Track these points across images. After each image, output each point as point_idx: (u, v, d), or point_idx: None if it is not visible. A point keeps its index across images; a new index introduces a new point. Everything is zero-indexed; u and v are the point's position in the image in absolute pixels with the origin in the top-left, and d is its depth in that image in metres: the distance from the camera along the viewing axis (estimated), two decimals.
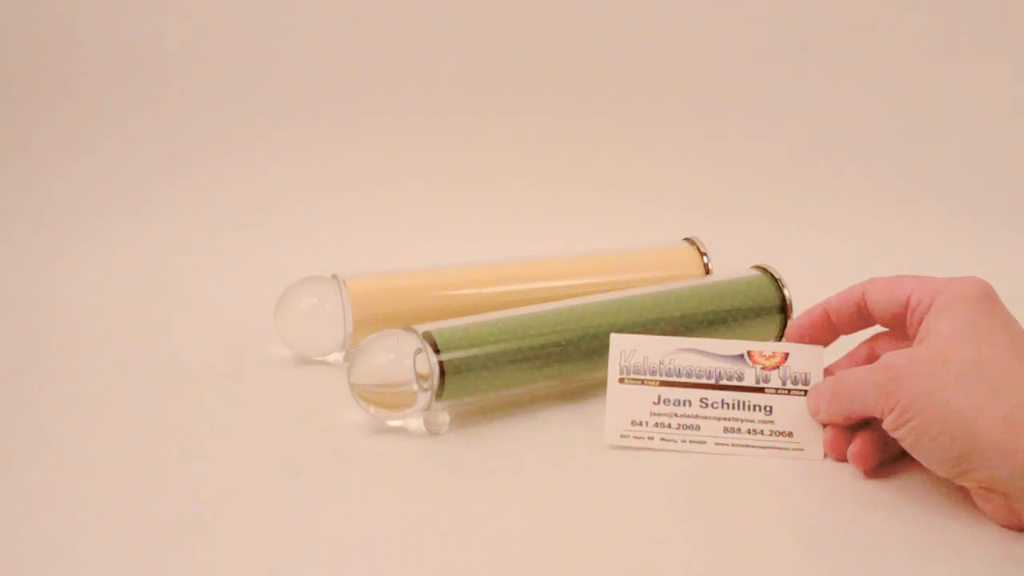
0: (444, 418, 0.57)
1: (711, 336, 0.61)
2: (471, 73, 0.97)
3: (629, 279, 0.71)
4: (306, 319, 0.66)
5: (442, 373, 0.56)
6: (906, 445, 0.47)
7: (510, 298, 0.68)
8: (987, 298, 0.49)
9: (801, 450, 0.54)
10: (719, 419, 0.55)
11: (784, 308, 0.66)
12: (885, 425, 0.48)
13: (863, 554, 0.45)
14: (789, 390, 0.55)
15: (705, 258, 0.74)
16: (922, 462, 0.47)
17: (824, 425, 0.54)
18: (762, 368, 0.56)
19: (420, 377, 0.56)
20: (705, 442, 0.55)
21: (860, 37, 0.96)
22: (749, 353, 0.56)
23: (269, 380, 0.65)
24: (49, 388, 0.64)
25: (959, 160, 0.95)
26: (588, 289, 0.68)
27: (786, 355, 0.56)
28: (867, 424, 0.52)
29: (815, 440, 0.54)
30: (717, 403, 0.55)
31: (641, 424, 0.55)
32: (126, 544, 0.46)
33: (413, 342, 0.56)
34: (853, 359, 0.57)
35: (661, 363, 0.56)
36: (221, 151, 0.97)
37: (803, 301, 0.62)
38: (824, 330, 0.56)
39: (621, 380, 0.56)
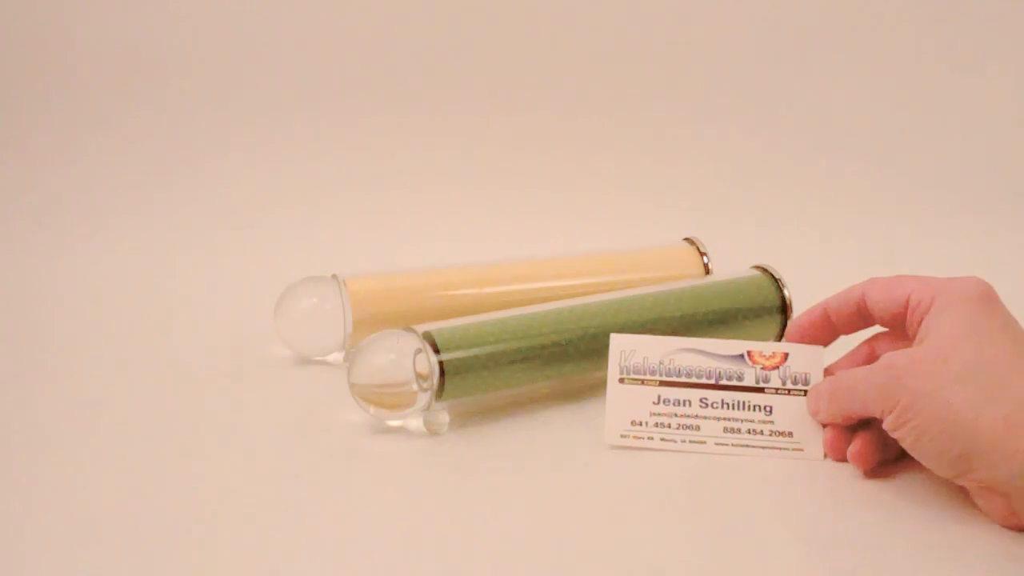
0: (444, 418, 0.57)
1: (711, 336, 0.61)
2: (471, 73, 0.97)
3: (629, 279, 0.71)
4: (306, 319, 0.66)
5: (442, 373, 0.56)
6: (906, 445, 0.47)
7: (510, 298, 0.68)
8: (987, 298, 0.49)
9: (801, 450, 0.54)
10: (719, 419, 0.55)
11: (784, 308, 0.66)
12: (885, 425, 0.48)
13: (863, 554, 0.45)
14: (789, 390, 0.55)
15: (705, 258, 0.74)
16: (922, 462, 0.47)
17: (824, 425, 0.54)
18: (762, 368, 0.56)
19: (420, 377, 0.56)
20: (705, 442, 0.55)
21: (860, 37, 0.96)
22: (749, 353, 0.56)
23: (269, 380, 0.65)
24: (49, 388, 0.64)
25: (959, 160, 0.95)
26: (588, 289, 0.68)
27: (786, 355, 0.56)
28: (867, 424, 0.52)
29: (815, 440, 0.54)
30: (717, 403, 0.55)
31: (641, 424, 0.55)
32: (126, 544, 0.46)
33: (413, 342, 0.56)
34: (853, 359, 0.57)
35: (661, 363, 0.56)
36: (221, 151, 0.97)
37: (803, 301, 0.62)
38: (824, 330, 0.56)
39: (621, 380, 0.56)
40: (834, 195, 0.96)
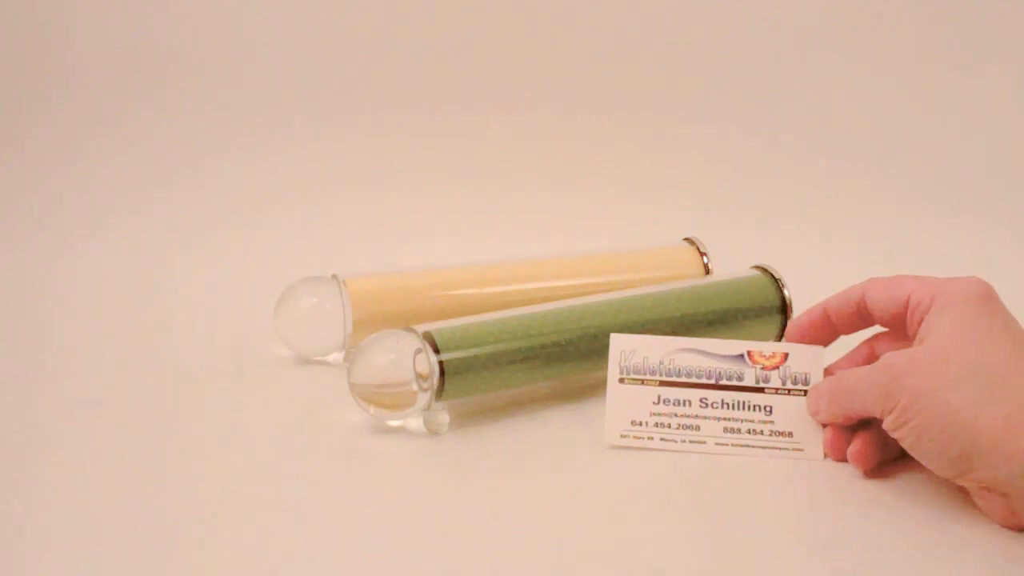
0: (444, 418, 0.57)
1: (711, 336, 0.61)
2: (471, 73, 0.97)
3: (629, 279, 0.71)
4: (306, 319, 0.66)
5: (442, 373, 0.56)
6: (906, 445, 0.47)
7: (510, 298, 0.68)
8: (987, 298, 0.49)
9: (801, 450, 0.54)
10: (719, 419, 0.55)
11: (784, 308, 0.66)
12: (885, 425, 0.48)
13: (863, 554, 0.45)
14: (789, 390, 0.55)
15: (705, 258, 0.74)
16: (922, 462, 0.47)
17: (824, 425, 0.54)
18: (762, 368, 0.56)
19: (420, 377, 0.56)
20: (705, 442, 0.55)
21: (860, 38, 0.96)
22: (749, 353, 0.56)
23: (269, 380, 0.65)
24: (49, 388, 0.64)
25: (959, 160, 0.95)
26: (588, 289, 0.68)
27: (786, 355, 0.56)
28: (867, 424, 0.52)
29: (815, 440, 0.54)
30: (717, 403, 0.55)
31: (641, 424, 0.55)
32: (126, 544, 0.46)
33: (413, 342, 0.56)
34: (853, 359, 0.57)
35: (661, 363, 0.56)
36: (221, 151, 0.97)
37: (803, 301, 0.62)
38: (824, 330, 0.56)
39: (621, 380, 0.56)
40: (834, 195, 0.96)
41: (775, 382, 0.56)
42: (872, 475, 0.52)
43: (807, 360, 0.56)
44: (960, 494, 0.49)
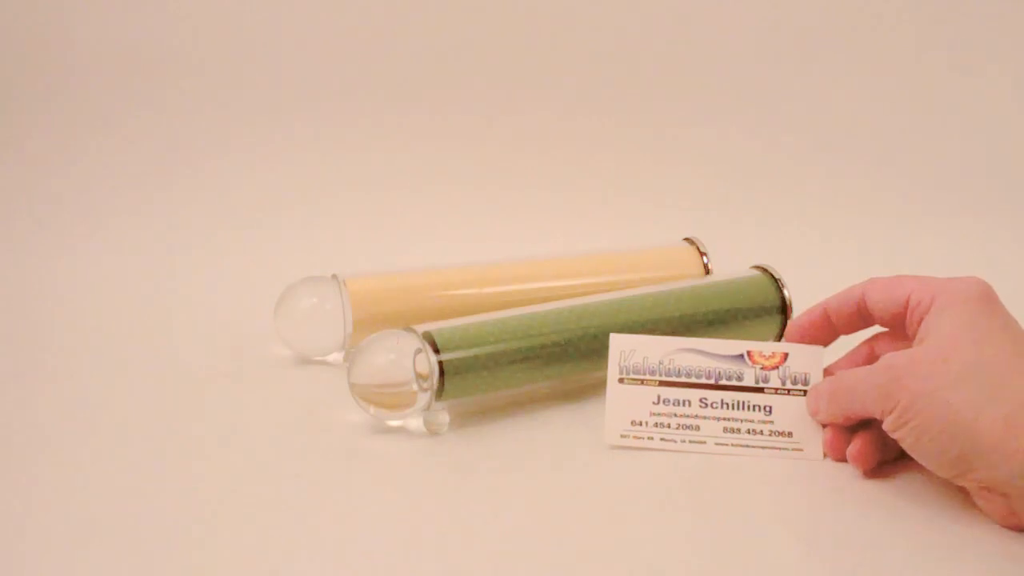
0: (444, 418, 0.57)
1: (711, 336, 0.61)
2: (471, 73, 0.97)
3: (629, 279, 0.71)
4: (306, 319, 0.66)
5: (442, 373, 0.56)
6: (906, 446, 0.47)
7: (510, 298, 0.68)
8: (987, 298, 0.49)
9: (801, 450, 0.54)
10: (719, 419, 0.55)
11: (784, 308, 0.66)
12: (885, 426, 0.48)
13: (863, 554, 0.45)
14: (789, 390, 0.55)
15: (705, 258, 0.74)
16: (922, 462, 0.47)
17: (824, 425, 0.54)
18: (762, 368, 0.56)
19: (420, 377, 0.56)
20: (705, 442, 0.55)
21: (860, 38, 0.96)
22: (749, 353, 0.56)
23: (269, 380, 0.65)
24: (49, 388, 0.64)
25: (959, 160, 0.95)
26: (588, 289, 0.68)
27: (786, 355, 0.56)
28: (867, 424, 0.52)
29: (815, 440, 0.54)
30: (717, 403, 0.55)
31: (641, 424, 0.55)
32: (126, 544, 0.46)
33: (413, 342, 0.56)
34: (853, 359, 0.57)
35: (661, 363, 0.56)
36: (221, 151, 0.97)
37: (803, 301, 0.62)
38: (824, 330, 0.56)
39: (621, 380, 0.56)
40: (834, 195, 0.96)
41: (775, 382, 0.56)
42: (872, 475, 0.52)
43: (807, 360, 0.56)
44: (960, 494, 0.49)
